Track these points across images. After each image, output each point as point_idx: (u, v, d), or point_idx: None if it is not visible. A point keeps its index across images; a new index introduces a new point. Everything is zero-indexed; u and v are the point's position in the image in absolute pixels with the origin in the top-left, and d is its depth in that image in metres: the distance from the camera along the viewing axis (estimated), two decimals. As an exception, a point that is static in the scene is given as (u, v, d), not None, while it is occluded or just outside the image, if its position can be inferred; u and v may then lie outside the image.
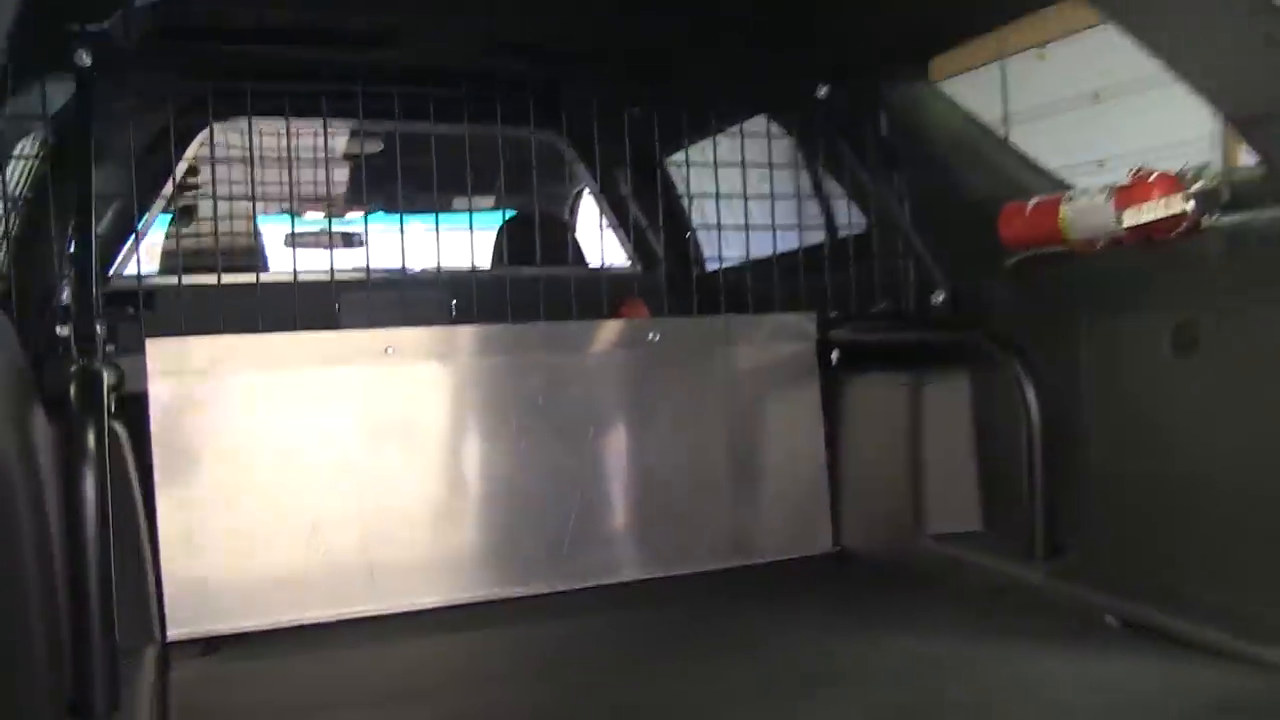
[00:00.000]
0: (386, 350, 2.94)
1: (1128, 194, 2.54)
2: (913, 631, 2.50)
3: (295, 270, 3.34)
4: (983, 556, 2.89)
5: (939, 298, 3.14)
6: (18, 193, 3.28)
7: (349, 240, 5.86)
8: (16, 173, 3.30)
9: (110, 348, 2.62)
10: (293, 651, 2.60)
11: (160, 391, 2.71)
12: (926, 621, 2.59)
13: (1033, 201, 2.87)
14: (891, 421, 3.24)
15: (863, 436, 3.34)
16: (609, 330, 3.26)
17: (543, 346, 3.11)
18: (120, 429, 2.58)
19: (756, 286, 3.54)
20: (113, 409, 2.48)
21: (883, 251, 3.47)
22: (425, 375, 3.00)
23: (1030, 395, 2.74)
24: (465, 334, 3.07)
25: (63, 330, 2.55)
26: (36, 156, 3.36)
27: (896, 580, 3.02)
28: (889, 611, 2.72)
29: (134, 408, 2.65)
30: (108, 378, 2.33)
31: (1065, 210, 2.75)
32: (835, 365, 3.38)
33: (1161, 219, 2.46)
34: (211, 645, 2.63)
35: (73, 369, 2.31)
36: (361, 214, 6.13)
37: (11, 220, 3.10)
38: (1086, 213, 2.69)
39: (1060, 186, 2.96)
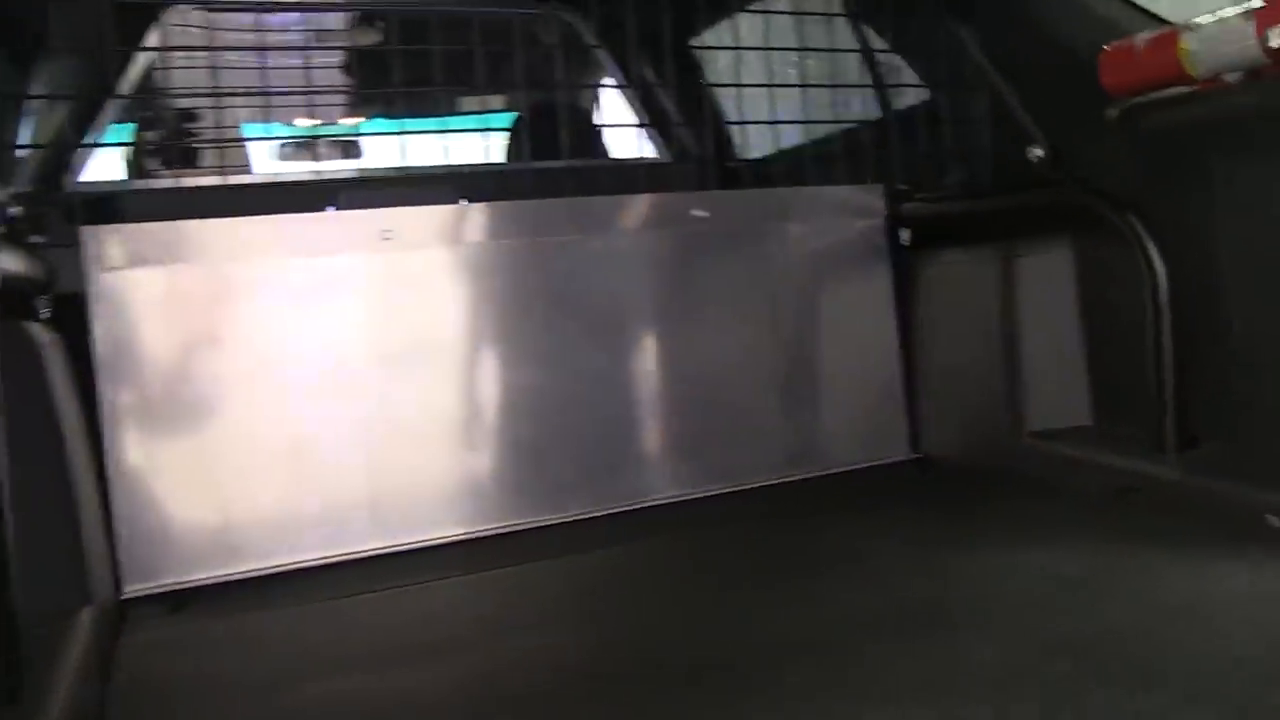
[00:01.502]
0: (385, 235, 2.50)
1: (1272, 12, 2.12)
2: (1035, 545, 2.12)
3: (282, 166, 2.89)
4: (1099, 453, 2.50)
5: (1036, 153, 2.70)
6: None
7: (347, 150, 5.42)
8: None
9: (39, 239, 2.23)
10: (279, 604, 2.19)
11: (104, 289, 2.27)
12: (1047, 533, 2.21)
13: (1142, 38, 2.45)
14: (977, 304, 2.85)
15: (942, 323, 2.95)
16: (647, 206, 2.82)
17: (570, 226, 2.67)
18: (51, 337, 2.17)
19: (799, 175, 3.13)
20: (43, 314, 2.14)
21: (955, 117, 3.02)
22: (432, 264, 2.57)
23: (1156, 261, 2.33)
24: (478, 214, 2.63)
25: None
26: None
27: (995, 486, 2.64)
28: (997, 523, 2.35)
29: (73, 314, 2.24)
30: (19, 264, 1.93)
31: (1188, 42, 2.33)
32: (907, 245, 3.00)
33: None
34: (179, 601, 2.23)
35: None
36: (358, 120, 5.70)
37: None
38: (1217, 42, 2.28)
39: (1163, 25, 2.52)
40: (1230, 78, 2.29)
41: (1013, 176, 2.85)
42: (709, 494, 2.69)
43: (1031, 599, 1.85)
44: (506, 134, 4.67)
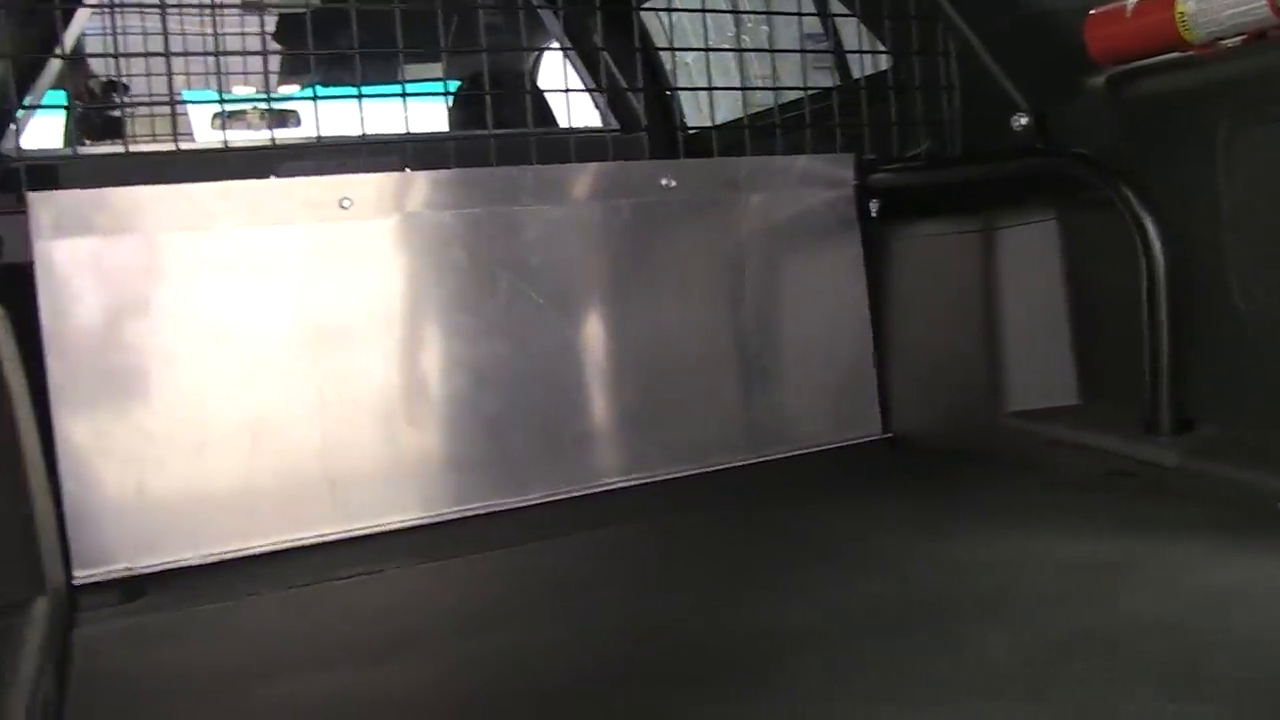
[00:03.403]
0: (342, 202, 2.36)
1: (1277, -29, 2.04)
2: (1029, 531, 2.01)
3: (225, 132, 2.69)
4: (1086, 435, 2.39)
5: (1021, 121, 2.59)
6: None
7: (285, 119, 5.19)
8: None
9: None
10: (239, 592, 2.05)
11: (51, 259, 2.14)
12: (1038, 517, 2.10)
13: (1132, 2, 2.35)
14: (952, 277, 2.73)
15: (916, 298, 2.83)
16: (615, 174, 2.69)
17: (536, 195, 2.54)
18: None
19: (757, 144, 2.98)
20: None
21: (924, 82, 2.90)
22: (391, 234, 2.43)
23: (1151, 233, 2.22)
24: (441, 181, 2.48)
25: None
26: None
27: (973, 468, 2.52)
28: (984, 506, 2.23)
29: (19, 286, 2.10)
30: None
31: (1184, 5, 2.23)
32: (875, 216, 2.88)
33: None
34: (133, 589, 2.09)
35: None
36: (296, 88, 5.47)
37: None
38: (1218, 3, 2.17)
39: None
40: (1229, 42, 2.21)
41: (986, 145, 2.75)
42: (675, 475, 2.57)
43: (1039, 588, 1.73)
44: (449, 102, 4.50)
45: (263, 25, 3.81)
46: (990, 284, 2.64)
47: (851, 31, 3.34)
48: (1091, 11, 2.43)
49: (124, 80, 3.31)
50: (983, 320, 2.65)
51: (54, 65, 3.32)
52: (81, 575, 2.10)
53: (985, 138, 2.74)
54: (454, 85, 4.42)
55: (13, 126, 3.39)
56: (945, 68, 2.83)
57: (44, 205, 2.14)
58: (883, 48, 3.08)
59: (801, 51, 3.08)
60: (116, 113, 3.82)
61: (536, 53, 4.88)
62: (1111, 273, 2.37)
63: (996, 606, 1.67)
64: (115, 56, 2.44)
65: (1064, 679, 1.41)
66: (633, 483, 2.54)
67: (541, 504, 2.45)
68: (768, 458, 2.67)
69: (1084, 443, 2.38)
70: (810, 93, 3.09)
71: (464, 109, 4.41)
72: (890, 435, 2.82)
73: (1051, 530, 2.00)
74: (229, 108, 4.18)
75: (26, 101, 3.18)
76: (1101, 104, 2.45)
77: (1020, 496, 2.27)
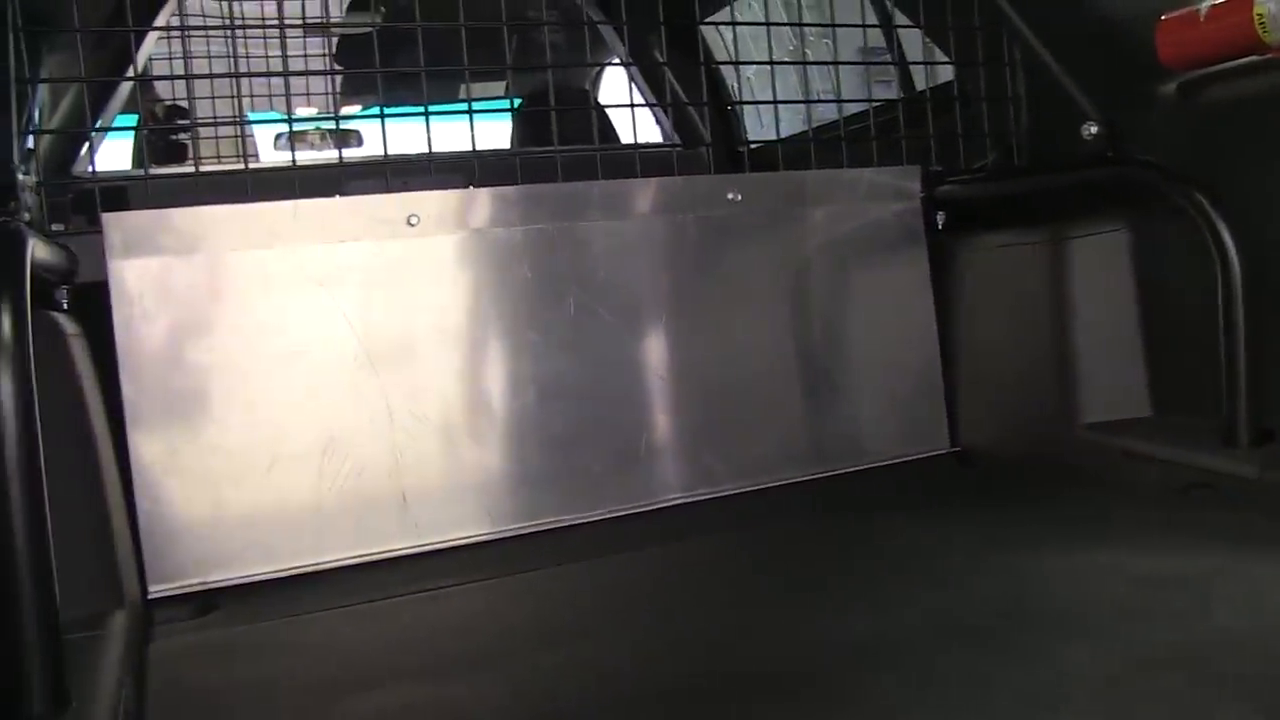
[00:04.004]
0: (410, 219, 2.37)
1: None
2: (1108, 544, 1.97)
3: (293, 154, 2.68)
4: (1163, 447, 2.34)
5: (1091, 130, 2.55)
6: None
7: (347, 139, 5.25)
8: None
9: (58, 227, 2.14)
10: (311, 606, 2.07)
11: (124, 278, 2.16)
12: (1117, 531, 2.06)
13: (1206, 6, 2.31)
14: (1022, 289, 2.68)
15: (984, 309, 2.78)
16: (680, 188, 2.67)
17: (602, 210, 2.54)
18: (72, 325, 2.08)
19: (821, 158, 2.94)
20: (64, 303, 2.08)
21: (990, 92, 2.86)
22: (458, 250, 2.44)
23: (1228, 242, 2.17)
24: (508, 197, 2.48)
25: None
26: None
27: (1046, 481, 2.48)
28: (1059, 520, 2.19)
29: (94, 305, 2.14)
30: (44, 252, 1.81)
31: (1264, 6, 2.19)
32: (942, 228, 2.84)
33: None
34: (207, 603, 2.12)
35: None
36: (358, 108, 5.53)
37: None
38: (1299, 5, 2.13)
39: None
40: (1312, 44, 2.16)
41: (1053, 155, 2.71)
42: (742, 490, 2.55)
43: (1119, 603, 1.70)
44: (510, 119, 4.53)
45: (326, 46, 3.87)
46: (1060, 295, 2.60)
47: (912, 43, 3.32)
48: (1163, 16, 2.39)
49: (184, 104, 3.37)
50: (1053, 331, 2.61)
51: (123, 89, 3.38)
52: (156, 590, 2.11)
53: (1053, 147, 2.69)
54: (516, 103, 4.45)
55: (86, 148, 3.46)
56: (1011, 77, 2.79)
57: (117, 225, 2.17)
58: (946, 59, 3.04)
59: (866, 64, 3.05)
60: (182, 136, 3.89)
61: (598, 69, 4.90)
62: (1185, 282, 2.33)
63: (1075, 621, 1.64)
64: (186, 78, 2.45)
65: (1150, 696, 1.37)
66: (700, 498, 2.52)
67: (609, 519, 2.44)
68: (835, 472, 2.64)
69: (1160, 455, 2.33)
70: (874, 105, 3.06)
71: (525, 127, 4.43)
72: (958, 449, 2.78)
73: (1130, 544, 1.96)
74: (296, 128, 4.24)
75: (98, 125, 3.23)
76: (1173, 111, 2.41)
77: (1096, 510, 2.23)
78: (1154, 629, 1.58)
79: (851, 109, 3.14)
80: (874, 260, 2.80)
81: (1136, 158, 2.47)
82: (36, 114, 2.42)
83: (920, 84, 3.28)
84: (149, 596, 2.10)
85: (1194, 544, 1.92)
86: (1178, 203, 2.27)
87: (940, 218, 2.84)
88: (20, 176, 2.14)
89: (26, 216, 2.12)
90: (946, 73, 3.10)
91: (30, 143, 2.33)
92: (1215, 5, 2.29)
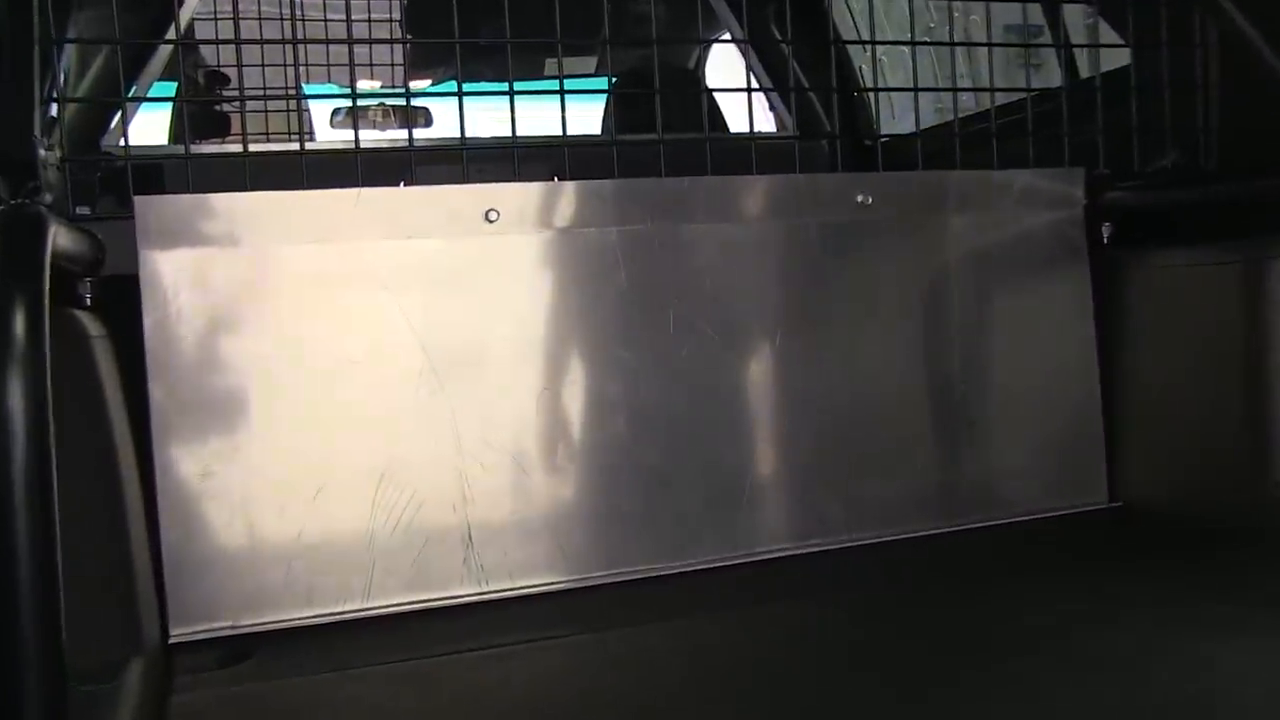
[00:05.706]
0: (489, 215, 2.16)
1: None
2: None
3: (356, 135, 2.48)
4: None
5: None
6: None
7: (414, 119, 5.02)
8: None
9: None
10: (357, 660, 1.89)
11: (158, 271, 1.98)
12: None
13: None
14: (1205, 317, 2.37)
15: (1157, 341, 2.48)
16: (801, 187, 2.45)
17: (709, 210, 2.31)
18: (96, 325, 1.89)
19: (965, 155, 2.68)
20: (88, 299, 1.92)
21: (1174, 80, 2.53)
22: (543, 252, 2.23)
23: None
24: (603, 192, 2.27)
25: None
26: None
27: (1233, 547, 2.17)
28: (1255, 595, 1.90)
29: (123, 302, 1.97)
30: (67, 239, 1.63)
31: None
32: (1109, 243, 2.54)
33: None
34: (238, 651, 1.93)
35: None
36: (428, 83, 5.30)
37: None
38: None
39: None
40: None
41: (1251, 156, 2.40)
42: (863, 542, 2.33)
43: None
44: (603, 100, 4.24)
45: (391, 11, 3.59)
46: (1255, 326, 2.28)
47: (1075, 22, 2.96)
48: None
49: (225, 72, 3.17)
50: (1244, 370, 2.29)
51: (162, 53, 3.21)
52: (179, 633, 1.95)
53: (1251, 147, 2.39)
54: (602, 81, 4.16)
55: (118, 120, 3.29)
56: (1202, 62, 2.48)
57: (152, 210, 1.99)
58: (1120, 40, 2.73)
59: (1025, 45, 2.72)
60: (227, 107, 3.69)
61: (703, 46, 4.58)
62: None
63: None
64: (236, 43, 2.22)
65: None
66: (813, 549, 2.31)
67: (706, 570, 2.24)
68: (972, 525, 2.40)
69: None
70: (1031, 94, 2.74)
71: (618, 111, 4.17)
72: (1118, 504, 2.51)
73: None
74: (361, 103, 4.00)
75: (133, 93, 3.06)
76: None
77: None
78: None
79: (1003, 98, 2.84)
80: (1026, 278, 2.55)
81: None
82: (62, 79, 2.27)
83: (1086, 70, 2.93)
84: (170, 640, 1.94)
85: None
86: None
87: (1107, 230, 2.55)
88: (42, 151, 1.95)
89: (48, 198, 1.93)
90: (1120, 56, 2.76)
91: (54, 112, 2.17)
92: None
